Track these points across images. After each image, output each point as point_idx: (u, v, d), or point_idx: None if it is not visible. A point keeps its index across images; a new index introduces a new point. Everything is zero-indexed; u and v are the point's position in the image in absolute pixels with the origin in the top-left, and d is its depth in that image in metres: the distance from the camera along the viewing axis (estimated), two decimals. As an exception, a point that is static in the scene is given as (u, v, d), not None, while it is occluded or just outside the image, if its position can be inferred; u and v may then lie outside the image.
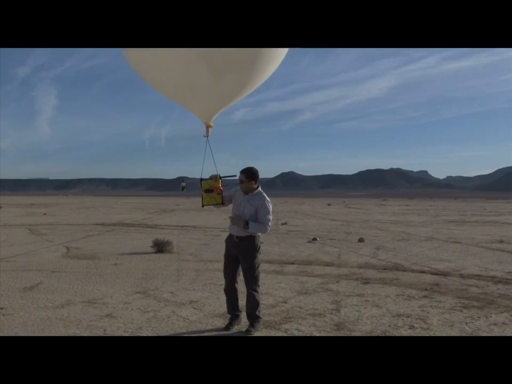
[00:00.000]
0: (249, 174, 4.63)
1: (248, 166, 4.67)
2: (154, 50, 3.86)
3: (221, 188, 4.57)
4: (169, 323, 4.87)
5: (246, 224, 4.51)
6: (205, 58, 3.98)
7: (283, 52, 4.51)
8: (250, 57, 4.16)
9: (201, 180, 4.56)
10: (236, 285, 4.76)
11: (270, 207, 4.62)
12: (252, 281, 4.61)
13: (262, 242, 4.76)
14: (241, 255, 4.64)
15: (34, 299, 5.90)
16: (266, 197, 4.65)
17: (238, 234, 4.62)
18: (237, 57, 4.06)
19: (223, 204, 4.61)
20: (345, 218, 23.75)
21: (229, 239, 4.76)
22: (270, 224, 4.58)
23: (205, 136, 4.59)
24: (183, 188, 4.61)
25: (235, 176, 4.66)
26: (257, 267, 4.64)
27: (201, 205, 4.66)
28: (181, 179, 4.66)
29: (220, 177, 4.58)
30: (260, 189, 4.68)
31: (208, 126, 4.61)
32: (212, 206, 4.64)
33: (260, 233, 4.66)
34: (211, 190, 4.53)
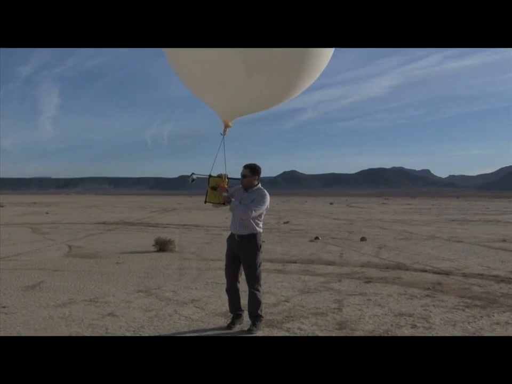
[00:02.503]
0: (253, 169, 4.66)
1: (251, 162, 4.72)
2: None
3: (227, 188, 4.59)
4: (171, 322, 4.87)
5: (229, 199, 4.57)
6: (241, 53, 3.80)
7: (330, 52, 4.25)
8: (293, 57, 3.88)
9: (210, 176, 4.57)
10: (238, 284, 4.75)
11: (266, 201, 4.63)
12: (254, 280, 4.61)
13: (263, 241, 4.76)
14: (242, 254, 4.63)
15: (36, 298, 5.91)
16: (265, 191, 4.68)
17: (239, 233, 4.62)
18: (271, 57, 3.82)
19: (223, 204, 4.62)
20: (347, 217, 23.74)
21: (230, 238, 4.76)
22: (253, 211, 4.53)
23: (221, 134, 4.58)
24: (193, 180, 4.59)
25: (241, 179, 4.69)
26: (259, 266, 4.64)
27: (204, 200, 4.67)
28: (192, 173, 4.62)
29: (227, 178, 4.60)
30: (260, 185, 4.71)
31: (226, 126, 4.58)
32: (212, 204, 4.65)
33: (261, 232, 4.67)
34: (217, 188, 4.55)
